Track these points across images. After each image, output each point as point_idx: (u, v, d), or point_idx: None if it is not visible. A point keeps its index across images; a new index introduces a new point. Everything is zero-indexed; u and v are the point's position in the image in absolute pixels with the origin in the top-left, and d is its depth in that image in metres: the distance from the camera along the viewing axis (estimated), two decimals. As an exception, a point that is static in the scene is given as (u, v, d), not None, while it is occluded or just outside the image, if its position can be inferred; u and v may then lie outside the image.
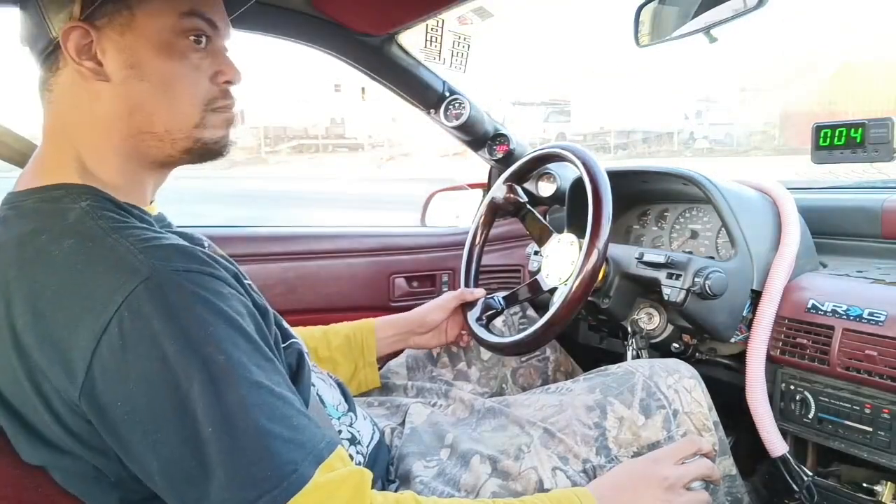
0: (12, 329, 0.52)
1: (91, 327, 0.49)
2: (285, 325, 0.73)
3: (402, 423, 0.94)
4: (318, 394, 0.75)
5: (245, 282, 0.63)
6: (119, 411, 0.50)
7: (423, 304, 1.09)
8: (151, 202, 0.68)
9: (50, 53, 0.61)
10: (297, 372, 0.68)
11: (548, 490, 0.73)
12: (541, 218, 1.08)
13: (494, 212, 1.16)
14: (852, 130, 0.95)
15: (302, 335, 0.98)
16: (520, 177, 1.13)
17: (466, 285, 1.14)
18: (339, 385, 0.84)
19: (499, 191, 1.12)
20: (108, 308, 0.49)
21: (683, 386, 0.84)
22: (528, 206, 1.09)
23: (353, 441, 0.78)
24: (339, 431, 0.76)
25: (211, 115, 0.64)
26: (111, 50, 0.59)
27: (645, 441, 0.80)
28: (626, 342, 1.09)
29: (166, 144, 0.63)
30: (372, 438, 0.83)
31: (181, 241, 0.57)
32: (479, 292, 1.10)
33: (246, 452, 0.50)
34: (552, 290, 1.01)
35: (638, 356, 1.05)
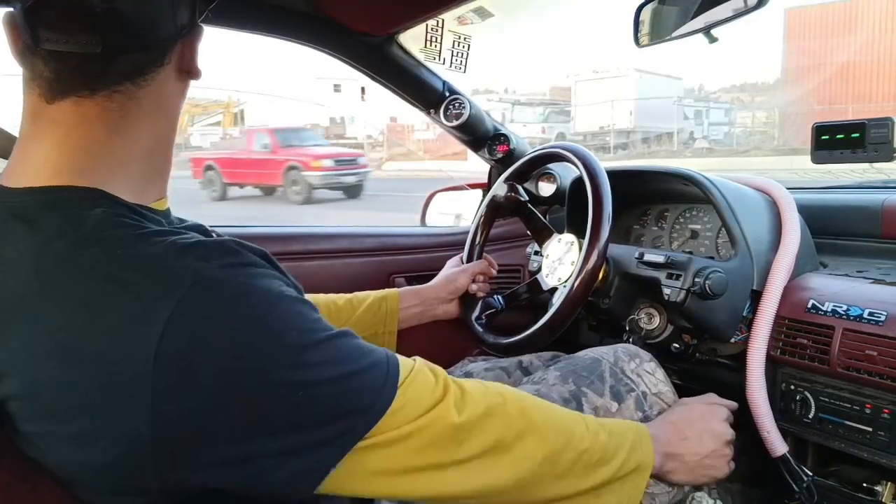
0: (58, 343, 0.49)
1: (145, 340, 0.47)
2: None
3: None
4: None
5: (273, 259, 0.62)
6: (194, 408, 0.49)
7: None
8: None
9: (160, 47, 0.59)
10: None
11: None
12: (541, 217, 1.08)
13: (495, 211, 1.16)
14: (852, 130, 0.95)
15: (323, 302, 1.02)
16: (520, 176, 1.13)
17: None
18: None
19: (500, 189, 1.12)
20: (160, 317, 0.47)
21: (645, 369, 0.89)
22: (530, 206, 1.09)
23: None
24: None
25: None
26: (195, 50, 0.63)
27: None
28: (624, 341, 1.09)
29: None
30: None
31: (205, 237, 0.56)
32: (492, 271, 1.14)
33: (334, 398, 0.52)
34: (552, 291, 1.02)
35: None
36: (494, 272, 1.13)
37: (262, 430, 0.51)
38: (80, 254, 0.51)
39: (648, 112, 20.32)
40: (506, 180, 1.12)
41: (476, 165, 1.64)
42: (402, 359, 0.59)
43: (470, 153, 1.57)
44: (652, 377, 0.88)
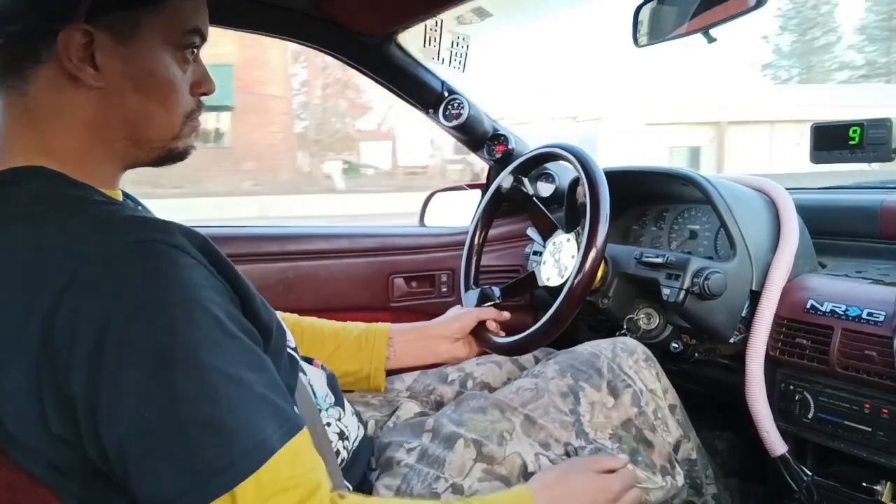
0: None
1: (40, 315, 0.48)
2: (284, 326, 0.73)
3: (389, 416, 0.94)
4: (309, 383, 0.75)
5: (217, 253, 0.58)
6: (77, 393, 0.49)
7: (422, 304, 1.08)
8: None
9: (29, 42, 0.56)
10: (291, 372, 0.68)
11: (532, 473, 0.77)
12: (547, 213, 1.08)
13: (498, 204, 1.15)
14: (850, 131, 0.94)
15: (308, 325, 0.98)
16: (525, 169, 1.12)
17: (466, 285, 1.14)
18: (331, 377, 0.84)
19: (505, 181, 1.10)
20: (55, 295, 0.48)
21: (641, 366, 0.90)
22: (535, 199, 1.09)
23: (342, 436, 0.77)
24: (328, 424, 0.75)
25: (187, 126, 0.64)
26: (111, 58, 0.57)
27: (617, 420, 0.85)
28: None
29: (143, 152, 0.62)
30: (357, 434, 0.82)
31: (132, 212, 0.55)
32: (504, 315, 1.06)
33: (190, 439, 0.48)
34: (551, 290, 1.01)
35: None
36: (507, 316, 1.07)
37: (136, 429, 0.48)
38: (8, 234, 0.52)
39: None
40: (512, 172, 1.11)
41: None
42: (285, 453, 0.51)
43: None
44: (647, 373, 0.90)
